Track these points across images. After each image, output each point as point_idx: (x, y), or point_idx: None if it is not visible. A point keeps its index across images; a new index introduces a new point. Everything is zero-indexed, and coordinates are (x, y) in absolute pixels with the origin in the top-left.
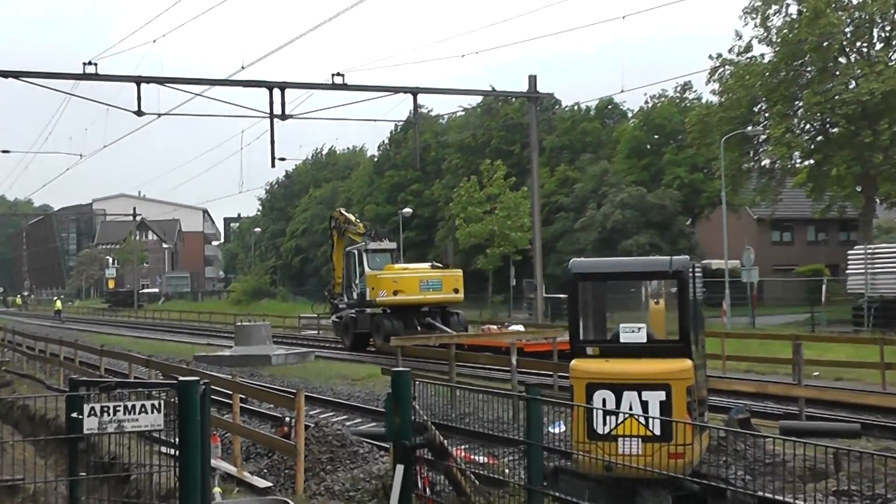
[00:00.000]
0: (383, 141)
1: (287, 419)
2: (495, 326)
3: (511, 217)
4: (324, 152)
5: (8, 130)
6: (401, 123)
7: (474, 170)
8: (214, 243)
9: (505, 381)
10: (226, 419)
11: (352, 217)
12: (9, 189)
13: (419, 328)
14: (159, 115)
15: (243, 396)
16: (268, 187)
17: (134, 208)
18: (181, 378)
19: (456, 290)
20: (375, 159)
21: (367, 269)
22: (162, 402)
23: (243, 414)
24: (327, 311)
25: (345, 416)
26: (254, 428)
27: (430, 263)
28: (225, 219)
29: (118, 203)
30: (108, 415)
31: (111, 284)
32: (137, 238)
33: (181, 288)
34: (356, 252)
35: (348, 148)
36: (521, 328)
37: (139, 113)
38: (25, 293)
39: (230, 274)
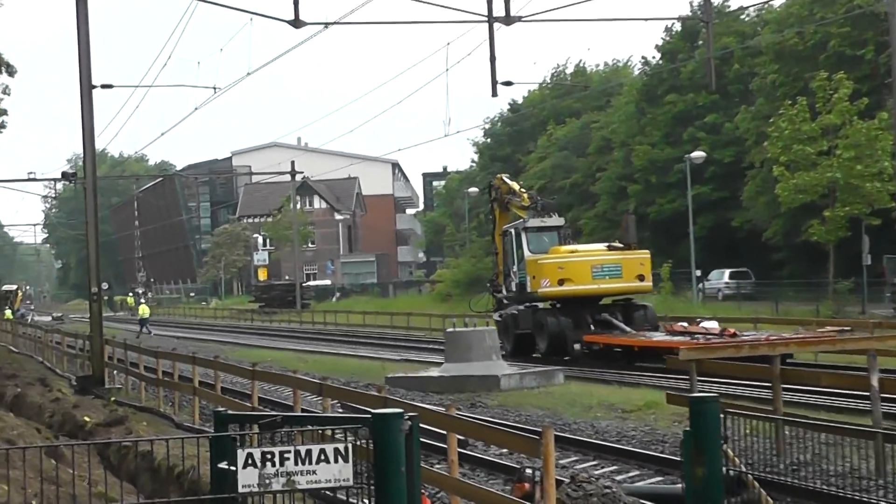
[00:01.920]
0: (657, 52)
1: (528, 471)
2: (685, 323)
3: (863, 159)
4: (568, 72)
5: (109, 62)
6: (683, 22)
7: (801, 89)
8: (410, 211)
9: (856, 413)
10: (437, 471)
11: (515, 186)
12: (112, 142)
13: (592, 326)
14: (326, 24)
15: (462, 437)
16: (486, 126)
17: (292, 163)
18: (374, 411)
19: (641, 278)
20: (645, 79)
21: (526, 252)
22: (350, 446)
23: (463, 463)
24: (491, 306)
25: (614, 467)
26: (479, 484)
27: (606, 244)
28: (424, 175)
29: (268, 156)
30: (273, 465)
31: (262, 275)
32: (298, 206)
33: (363, 278)
34: (513, 231)
35: (604, 64)
36: (714, 324)
37: (297, 23)
38: (140, 289)
39: (434, 257)
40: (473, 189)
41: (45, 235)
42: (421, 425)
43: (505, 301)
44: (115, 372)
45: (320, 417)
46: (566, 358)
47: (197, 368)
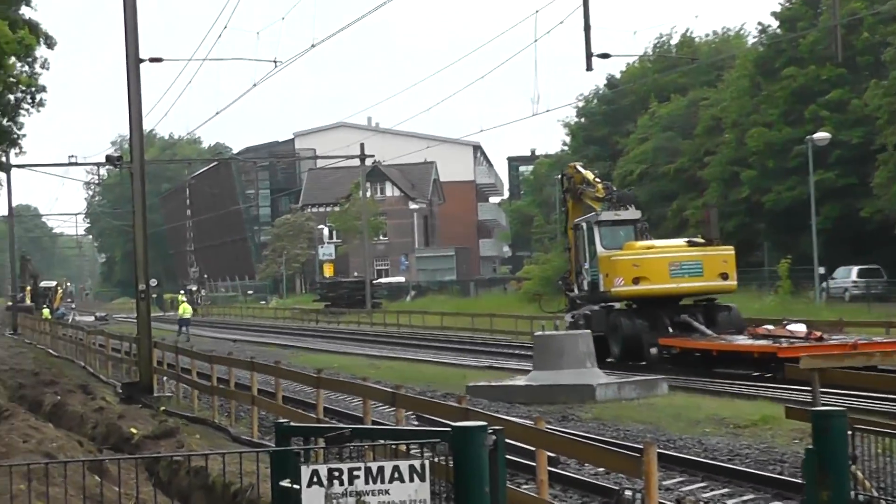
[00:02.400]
0: (774, 19)
1: (628, 493)
2: (770, 326)
3: None
4: (672, 42)
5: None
6: None
7: None
8: (494, 200)
9: None
10: (525, 492)
11: (589, 175)
12: (161, 122)
13: (670, 329)
14: None
15: (552, 454)
16: (580, 104)
17: (361, 146)
18: (453, 424)
19: (724, 276)
20: (761, 50)
21: (599, 247)
22: (426, 462)
23: (554, 483)
24: (563, 307)
25: (725, 490)
26: None
27: (686, 240)
28: (510, 160)
29: (335, 137)
30: (341, 483)
31: (328, 271)
32: (368, 193)
33: (441, 275)
34: (584, 225)
35: (713, 34)
36: (802, 327)
37: None
38: (192, 287)
39: (521, 251)
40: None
41: (88, 226)
42: (506, 440)
43: (577, 301)
44: (164, 379)
45: (394, 431)
46: (642, 363)
47: (256, 375)
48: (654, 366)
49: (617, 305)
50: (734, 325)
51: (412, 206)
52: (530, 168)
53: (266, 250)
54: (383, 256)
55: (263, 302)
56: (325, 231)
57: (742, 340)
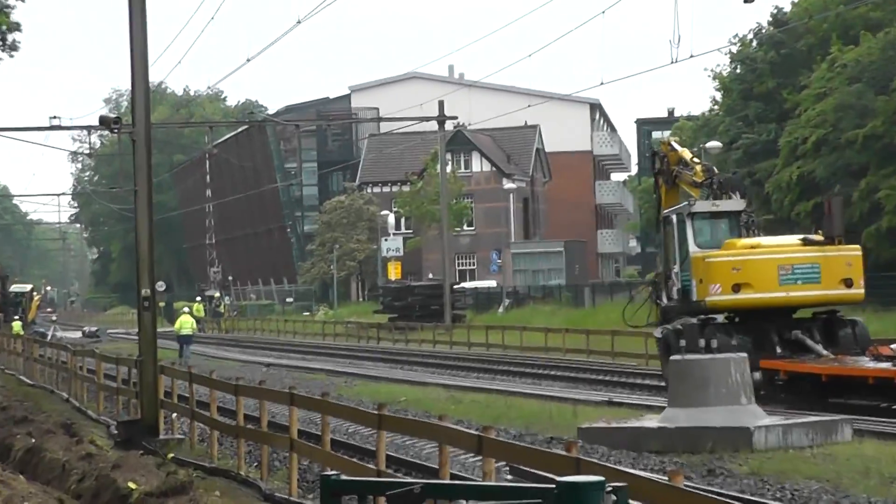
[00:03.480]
0: None
1: None
2: None
3: None
4: None
5: None
6: None
7: None
8: (618, 177)
9: None
10: None
11: (686, 154)
12: (173, 73)
13: (778, 349)
14: None
15: None
16: (735, 49)
17: (440, 104)
18: (560, 479)
19: (849, 283)
20: None
21: (691, 245)
22: None
23: None
24: (654, 318)
25: None
26: None
27: (800, 237)
28: (639, 123)
29: (405, 92)
30: None
31: (393, 272)
32: (449, 168)
33: (546, 278)
34: (675, 218)
35: None
36: None
37: None
38: (213, 293)
39: (654, 247)
40: (715, 143)
41: (75, 211)
42: (631, 502)
43: (669, 313)
44: (174, 416)
45: (481, 488)
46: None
47: (296, 411)
48: (762, 396)
49: (719, 318)
50: (860, 343)
51: (508, 184)
52: (667, 134)
53: (312, 244)
54: (468, 253)
55: (307, 313)
56: (391, 219)
57: (870, 364)
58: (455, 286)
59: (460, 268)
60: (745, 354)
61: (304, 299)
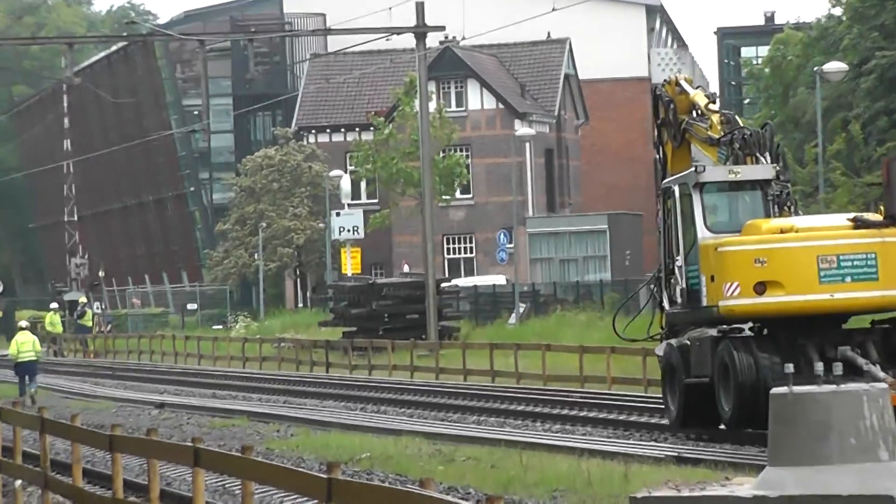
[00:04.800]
0: None
1: None
2: None
3: None
4: None
5: None
6: None
7: None
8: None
9: None
10: None
11: (700, 98)
12: None
13: (820, 372)
14: None
15: None
16: None
17: (418, 6)
18: None
19: None
20: None
21: (700, 229)
22: None
23: None
24: (659, 328)
25: None
26: None
27: (851, 216)
28: (720, 34)
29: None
30: None
31: (350, 264)
32: (433, 105)
33: (584, 271)
34: (677, 190)
35: None
36: None
37: None
38: (77, 297)
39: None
40: (837, 65)
41: None
42: None
43: (673, 321)
44: (17, 484)
45: None
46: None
47: (202, 476)
48: None
49: (747, 330)
50: None
51: (522, 129)
52: (765, 51)
53: (225, 221)
54: (464, 234)
55: (220, 326)
56: (346, 182)
57: None
58: (444, 284)
59: (451, 256)
60: (884, 385)
61: (214, 305)
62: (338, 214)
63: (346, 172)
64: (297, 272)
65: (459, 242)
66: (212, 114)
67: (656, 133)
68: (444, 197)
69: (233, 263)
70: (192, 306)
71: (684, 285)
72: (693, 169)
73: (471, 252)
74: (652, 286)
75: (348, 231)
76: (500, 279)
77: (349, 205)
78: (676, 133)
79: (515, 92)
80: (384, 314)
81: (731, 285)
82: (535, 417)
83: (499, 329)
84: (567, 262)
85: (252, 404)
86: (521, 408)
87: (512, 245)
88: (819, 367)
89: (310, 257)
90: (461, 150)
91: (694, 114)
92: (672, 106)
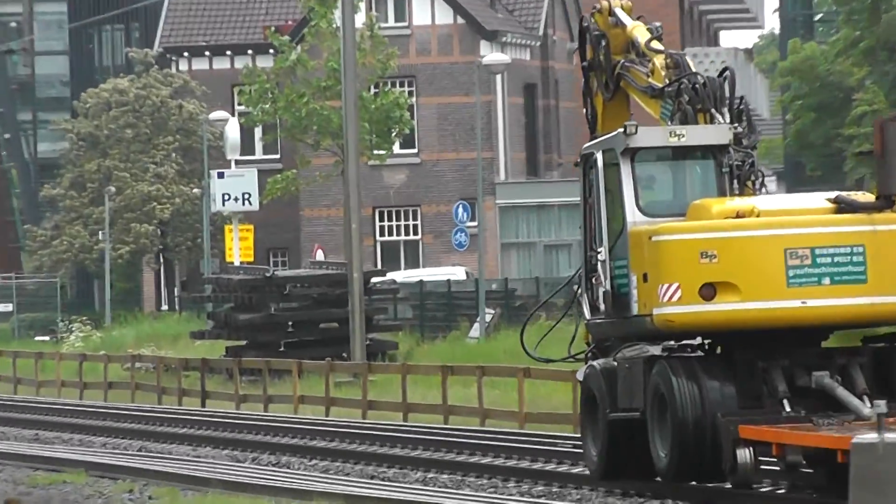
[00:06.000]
0: None
1: None
2: None
3: None
4: None
5: None
6: None
7: None
8: (734, 38)
9: None
10: None
11: (640, 32)
12: None
13: (786, 403)
14: None
15: None
16: None
17: None
18: None
19: None
20: None
21: (629, 211)
22: None
23: None
24: (586, 344)
25: None
26: None
27: (832, 195)
28: None
29: None
30: None
31: (238, 249)
32: (361, 17)
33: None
34: (600, 158)
35: None
36: None
37: None
38: None
39: (820, 182)
40: None
41: None
42: None
43: (599, 334)
44: None
45: None
46: (727, 486)
47: None
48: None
49: (654, 349)
50: None
51: (492, 55)
52: None
53: (55, 184)
54: (405, 204)
55: (47, 337)
56: (232, 129)
57: None
58: (375, 280)
59: (387, 239)
60: None
61: (37, 307)
62: (221, 176)
63: (233, 115)
64: (161, 259)
65: (399, 219)
66: (36, 26)
67: (584, 80)
68: (376, 153)
69: (66, 246)
70: (5, 307)
71: (608, 287)
72: (622, 130)
73: (415, 233)
74: (576, 287)
75: (236, 200)
76: (457, 272)
77: (238, 162)
78: (609, 79)
79: (482, 1)
80: (287, 322)
81: (668, 287)
82: (508, 475)
83: (455, 345)
84: (554, 249)
85: (93, 452)
86: (486, 460)
87: (475, 223)
88: (786, 398)
89: (179, 238)
90: (403, 85)
91: (632, 53)
92: (603, 43)
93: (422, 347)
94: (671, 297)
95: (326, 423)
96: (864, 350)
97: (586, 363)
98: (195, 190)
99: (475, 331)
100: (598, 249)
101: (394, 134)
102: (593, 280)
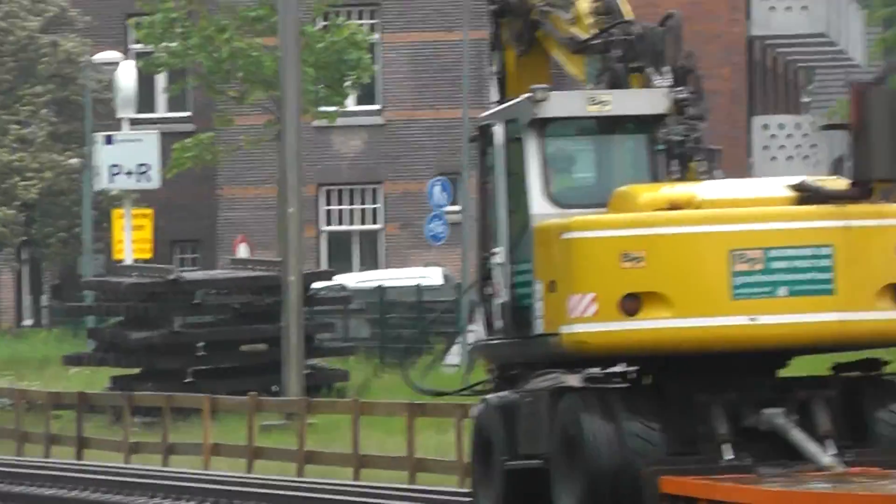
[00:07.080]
0: None
1: None
2: None
3: None
4: None
5: None
6: None
7: None
8: None
9: None
10: None
11: None
12: None
13: (732, 452)
14: None
15: None
16: None
17: None
18: None
19: None
20: None
21: (534, 201)
22: None
23: None
24: (487, 376)
25: None
26: None
27: (794, 180)
28: None
29: None
30: None
31: (130, 244)
32: None
33: None
34: (500, 130)
35: None
36: None
37: None
38: None
39: None
40: None
41: None
42: None
43: (495, 358)
44: None
45: None
46: None
47: None
48: None
49: (562, 380)
50: None
51: None
52: None
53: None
54: (361, 182)
55: None
56: (125, 75)
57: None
58: (318, 284)
59: (336, 228)
60: None
61: None
62: (109, 141)
63: (126, 57)
64: (24, 256)
65: (352, 201)
66: None
67: (492, 29)
68: (323, 109)
69: None
70: None
71: (507, 298)
72: (529, 95)
73: (374, 220)
74: (473, 298)
75: (129, 175)
76: (431, 275)
77: (133, 122)
78: (523, 29)
79: None
80: (197, 342)
81: (581, 299)
82: None
83: (428, 375)
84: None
85: None
86: None
87: (457, 208)
88: (727, 441)
89: (50, 227)
90: (361, 17)
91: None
92: None
93: (381, 378)
94: (584, 312)
95: (248, 483)
96: (831, 381)
97: (481, 402)
98: (73, 160)
99: (454, 355)
100: (495, 250)
101: (348, 84)
102: (487, 290)
